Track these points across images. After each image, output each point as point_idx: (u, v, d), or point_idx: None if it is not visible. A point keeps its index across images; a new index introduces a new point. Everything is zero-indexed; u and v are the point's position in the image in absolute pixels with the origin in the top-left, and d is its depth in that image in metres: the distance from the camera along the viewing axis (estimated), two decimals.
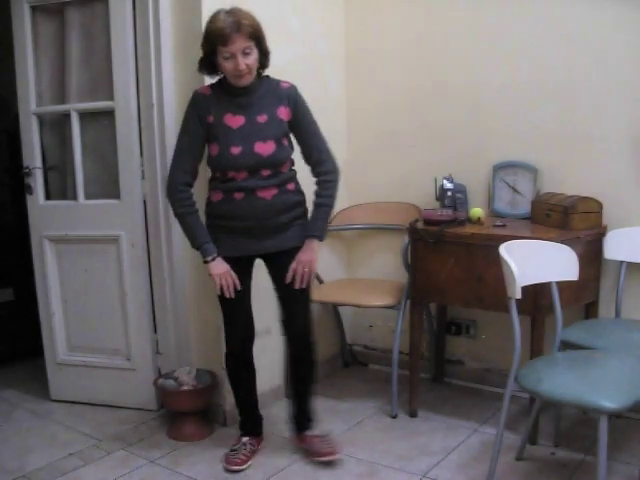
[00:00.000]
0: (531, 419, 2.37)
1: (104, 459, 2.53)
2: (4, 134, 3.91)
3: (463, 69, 2.97)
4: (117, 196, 2.81)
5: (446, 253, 2.62)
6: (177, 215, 2.36)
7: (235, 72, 2.19)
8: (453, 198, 2.85)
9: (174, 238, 2.75)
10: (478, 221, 2.72)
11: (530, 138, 2.84)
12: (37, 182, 2.93)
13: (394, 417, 2.82)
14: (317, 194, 2.39)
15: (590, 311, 2.72)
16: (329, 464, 2.43)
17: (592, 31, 2.65)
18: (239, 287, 2.36)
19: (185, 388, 2.68)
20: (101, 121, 2.83)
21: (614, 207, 2.66)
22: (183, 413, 2.69)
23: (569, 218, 2.53)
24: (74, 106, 2.81)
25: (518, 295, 2.05)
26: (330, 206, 2.40)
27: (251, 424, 2.58)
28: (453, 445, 2.56)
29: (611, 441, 1.84)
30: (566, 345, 2.32)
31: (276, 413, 2.85)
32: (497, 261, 2.11)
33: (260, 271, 2.48)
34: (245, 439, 2.53)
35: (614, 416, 2.48)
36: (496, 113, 2.91)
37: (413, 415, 2.83)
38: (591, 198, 2.63)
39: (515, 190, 2.86)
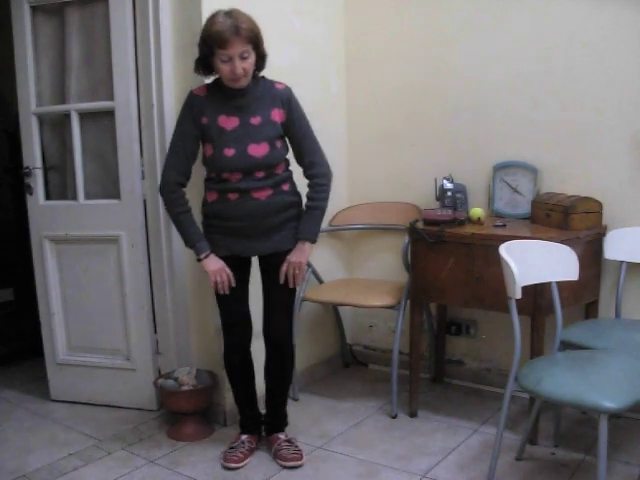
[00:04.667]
0: (531, 419, 2.37)
1: (104, 459, 2.53)
2: (4, 134, 3.92)
3: (463, 69, 2.97)
4: (117, 196, 2.81)
5: (446, 253, 2.62)
6: (170, 214, 2.37)
7: (231, 75, 2.19)
8: (453, 198, 2.85)
9: (174, 238, 2.74)
10: (478, 221, 2.72)
11: (530, 138, 2.84)
12: (37, 182, 2.93)
13: (394, 417, 2.82)
14: (310, 197, 2.39)
15: (590, 311, 2.72)
16: (291, 469, 2.42)
17: (592, 31, 2.65)
18: (233, 284, 2.36)
19: (185, 388, 2.68)
20: (101, 121, 2.83)
21: (614, 207, 2.66)
22: (183, 413, 2.69)
23: (569, 218, 2.53)
24: (74, 106, 2.81)
25: (518, 295, 2.06)
26: (323, 209, 2.41)
27: (250, 423, 2.57)
28: (453, 445, 2.56)
29: (611, 441, 1.84)
30: (566, 345, 2.32)
31: None
32: (497, 261, 2.11)
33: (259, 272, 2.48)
34: (244, 437, 2.53)
35: (614, 416, 2.48)
36: (496, 113, 2.91)
37: (413, 415, 2.82)
38: (591, 198, 2.63)
39: (515, 190, 2.86)
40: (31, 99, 2.87)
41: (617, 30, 2.60)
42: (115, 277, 2.86)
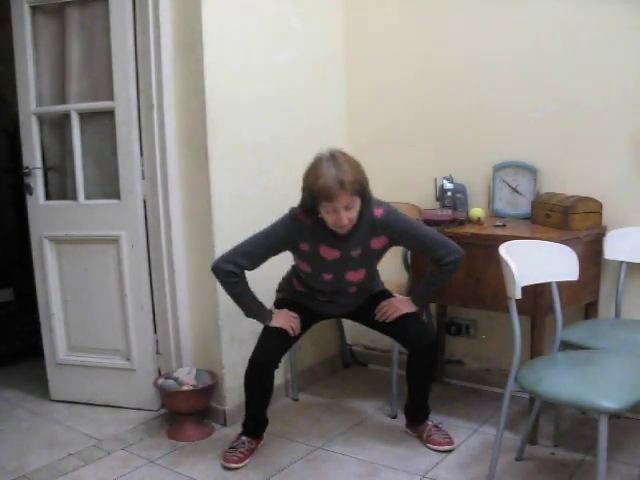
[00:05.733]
0: (531, 419, 2.37)
1: (104, 459, 2.53)
2: (4, 134, 3.92)
3: (463, 69, 2.97)
4: (117, 196, 2.81)
5: None
6: (226, 290, 2.42)
7: (337, 225, 2.22)
8: (453, 198, 2.85)
9: (174, 238, 2.75)
10: (478, 221, 2.72)
11: (530, 138, 2.84)
12: (37, 182, 2.93)
13: (394, 417, 2.81)
14: (433, 274, 2.44)
15: (590, 311, 2.72)
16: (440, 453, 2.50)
17: (592, 31, 2.65)
18: (300, 323, 2.48)
19: (185, 388, 2.68)
20: (101, 121, 2.83)
21: (614, 207, 2.66)
22: (183, 413, 2.69)
23: (569, 218, 2.53)
24: (74, 106, 2.81)
25: (518, 295, 2.06)
26: (440, 287, 2.49)
27: (253, 426, 2.56)
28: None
29: (611, 441, 1.84)
30: (566, 345, 2.32)
31: (276, 413, 2.85)
32: (497, 261, 2.11)
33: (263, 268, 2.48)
34: (244, 437, 2.52)
35: (614, 416, 2.48)
36: (496, 113, 2.91)
37: None
38: (591, 198, 2.63)
39: (515, 190, 2.86)
40: (31, 99, 2.87)
41: (617, 30, 2.60)
42: (115, 277, 2.86)
